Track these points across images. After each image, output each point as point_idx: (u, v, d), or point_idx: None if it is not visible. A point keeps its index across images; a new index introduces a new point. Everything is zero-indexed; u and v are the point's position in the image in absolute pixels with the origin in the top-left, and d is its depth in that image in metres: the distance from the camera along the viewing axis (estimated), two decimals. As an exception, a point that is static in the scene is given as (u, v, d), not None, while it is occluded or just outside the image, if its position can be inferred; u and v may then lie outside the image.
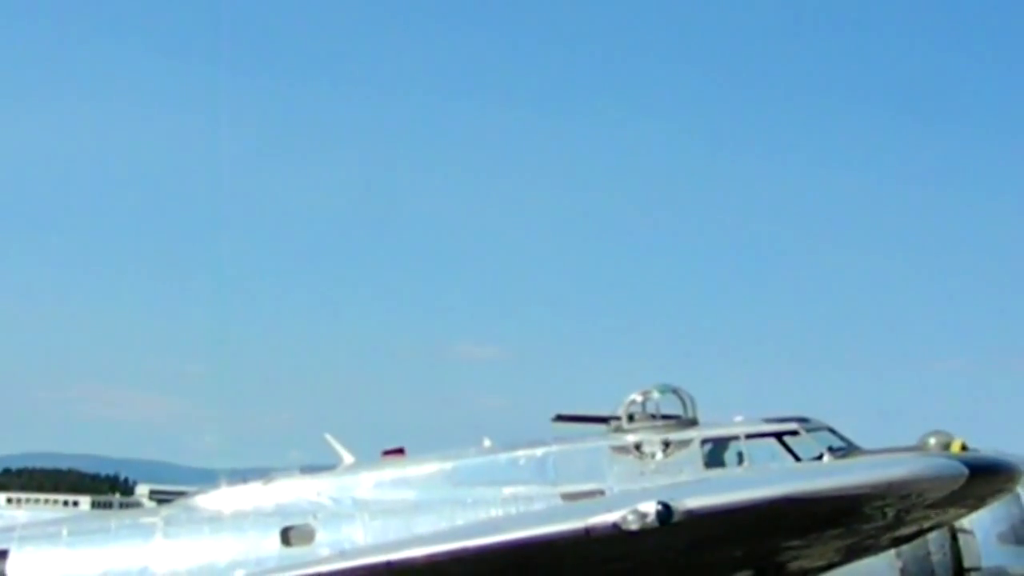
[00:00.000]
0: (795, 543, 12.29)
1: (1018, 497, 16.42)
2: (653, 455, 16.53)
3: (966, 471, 11.22)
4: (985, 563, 16.14)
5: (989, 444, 16.19)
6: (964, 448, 16.60)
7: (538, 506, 15.63)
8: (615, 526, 11.12)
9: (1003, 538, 16.43)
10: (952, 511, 12.70)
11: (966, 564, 16.06)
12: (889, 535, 12.83)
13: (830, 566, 13.73)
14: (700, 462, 16.38)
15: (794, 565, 13.12)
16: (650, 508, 10.97)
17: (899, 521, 12.12)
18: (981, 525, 16.11)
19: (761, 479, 12.72)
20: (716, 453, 16.74)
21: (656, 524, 10.94)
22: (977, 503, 12.70)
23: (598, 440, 17.03)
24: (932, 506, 11.78)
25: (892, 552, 15.54)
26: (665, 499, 11.05)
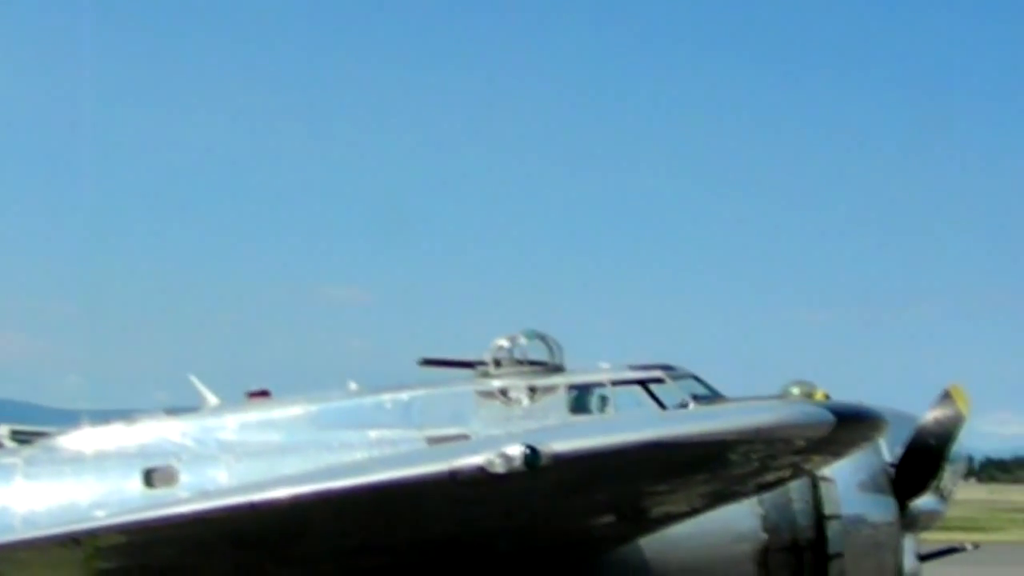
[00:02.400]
0: (660, 488, 12.30)
1: (878, 447, 16.69)
2: (519, 400, 16.59)
3: (832, 418, 11.25)
4: (845, 511, 16.37)
5: (851, 396, 16.40)
6: (827, 398, 16.85)
7: (403, 450, 15.57)
8: (481, 469, 11.01)
9: (863, 487, 16.68)
10: (817, 458, 12.78)
11: (826, 512, 16.28)
12: (753, 481, 12.89)
13: (693, 512, 13.80)
14: (565, 408, 16.48)
15: (658, 510, 13.15)
16: (517, 451, 10.89)
17: (764, 468, 12.16)
18: (842, 474, 16.33)
19: (628, 423, 12.71)
20: (581, 399, 16.84)
21: (522, 467, 10.86)
22: (842, 451, 12.78)
23: (464, 385, 17.05)
24: (797, 453, 11.82)
25: (754, 499, 15.71)
26: (532, 442, 10.97)
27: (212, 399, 17.40)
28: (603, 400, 16.83)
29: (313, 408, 16.72)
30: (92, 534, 12.74)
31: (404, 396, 16.78)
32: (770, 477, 12.90)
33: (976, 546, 30.68)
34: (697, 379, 17.02)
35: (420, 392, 16.86)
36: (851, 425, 11.58)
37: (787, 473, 13.08)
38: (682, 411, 15.69)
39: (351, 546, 13.06)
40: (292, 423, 16.58)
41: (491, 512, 12.28)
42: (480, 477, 11.03)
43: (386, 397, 16.78)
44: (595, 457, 11.04)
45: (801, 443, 11.50)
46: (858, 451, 14.98)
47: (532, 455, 10.84)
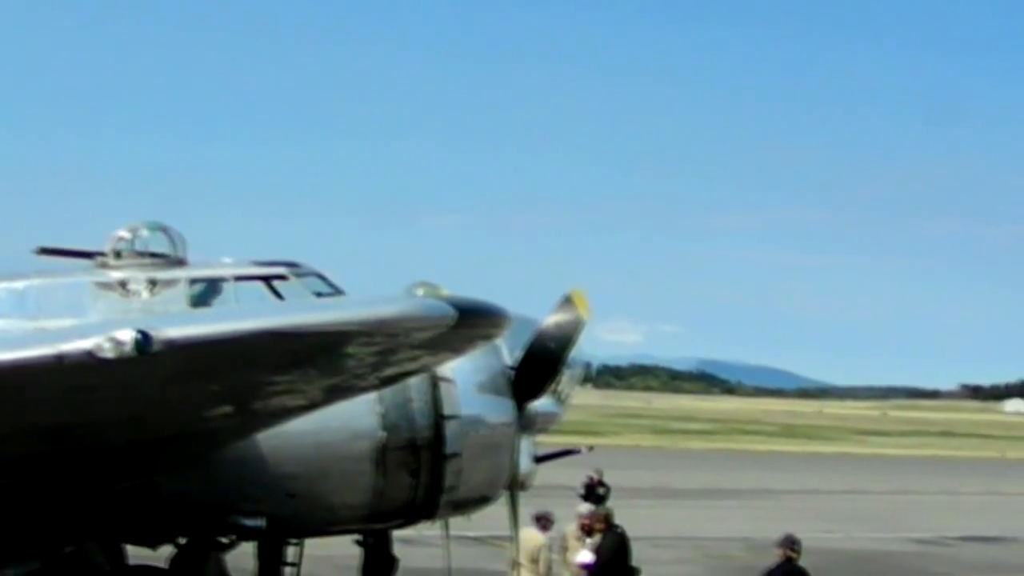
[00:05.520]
0: (277, 379, 12.05)
1: (498, 349, 16.93)
2: (139, 293, 16.27)
3: (454, 312, 11.20)
4: (464, 411, 16.56)
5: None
6: (451, 301, 16.92)
7: None
8: (89, 353, 10.59)
9: (482, 388, 16.89)
10: (439, 354, 12.75)
11: (445, 412, 16.43)
12: (373, 376, 12.78)
13: (312, 406, 13.65)
14: (186, 302, 16.22)
15: (275, 403, 12.91)
16: (127, 336, 10.49)
17: (384, 362, 12.03)
18: (462, 374, 16.51)
19: (246, 312, 12.44)
20: (203, 294, 16.58)
21: (133, 352, 10.48)
22: (464, 346, 12.77)
23: (81, 276, 16.64)
24: (419, 347, 11.73)
25: (373, 396, 15.70)
26: (144, 327, 10.61)
27: None
28: (225, 295, 16.57)
29: None
30: None
31: (18, 285, 16.29)
32: (391, 372, 12.81)
33: (590, 449, 31.75)
34: (322, 277, 16.91)
35: (35, 282, 16.37)
36: (473, 320, 11.57)
37: (408, 368, 13.01)
38: (302, 301, 15.54)
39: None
40: None
41: (102, 401, 11.85)
42: (88, 362, 10.61)
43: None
44: (209, 344, 10.74)
45: (422, 337, 11.42)
46: (480, 349, 15.14)
47: (143, 340, 10.47)
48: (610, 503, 28.90)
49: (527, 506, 19.60)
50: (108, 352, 10.51)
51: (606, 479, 36.17)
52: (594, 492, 33.22)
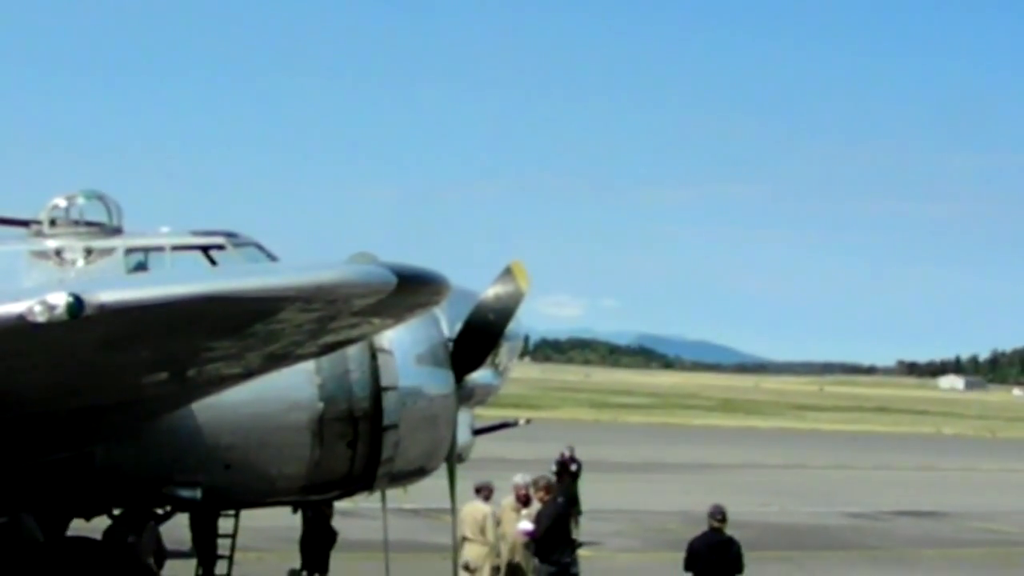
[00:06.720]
0: (213, 346, 11.85)
1: (436, 320, 16.82)
2: (74, 262, 16.15)
3: (395, 278, 11.03)
4: (402, 382, 16.45)
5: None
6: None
7: None
8: (21, 318, 10.35)
9: (421, 359, 16.76)
10: (378, 321, 12.57)
11: (384, 383, 16.31)
12: (312, 344, 12.62)
13: (249, 374, 13.48)
14: (123, 271, 16.10)
15: (211, 370, 12.71)
16: (60, 299, 10.25)
17: (323, 329, 11.87)
18: (400, 345, 16.41)
19: (182, 276, 12.25)
20: (140, 263, 16.43)
21: (66, 317, 10.25)
22: (404, 314, 12.59)
23: (17, 244, 16.49)
24: (359, 314, 11.55)
25: (311, 367, 15.57)
26: (77, 291, 10.39)
27: None
28: (163, 265, 16.42)
29: None
30: None
31: None
32: (330, 339, 12.65)
33: (528, 422, 31.66)
34: (260, 247, 16.78)
35: (-33, 250, 16.14)
36: (414, 286, 11.41)
37: (348, 336, 12.84)
38: (240, 266, 15.36)
39: None
40: None
41: (34, 367, 11.64)
42: (20, 327, 10.38)
43: (-68, 254, 16.05)
44: (144, 309, 10.51)
45: (362, 303, 11.25)
46: (420, 319, 15.04)
47: (76, 304, 10.24)
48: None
49: (465, 479, 19.54)
50: (40, 316, 10.28)
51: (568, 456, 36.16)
52: (567, 468, 33.00)
